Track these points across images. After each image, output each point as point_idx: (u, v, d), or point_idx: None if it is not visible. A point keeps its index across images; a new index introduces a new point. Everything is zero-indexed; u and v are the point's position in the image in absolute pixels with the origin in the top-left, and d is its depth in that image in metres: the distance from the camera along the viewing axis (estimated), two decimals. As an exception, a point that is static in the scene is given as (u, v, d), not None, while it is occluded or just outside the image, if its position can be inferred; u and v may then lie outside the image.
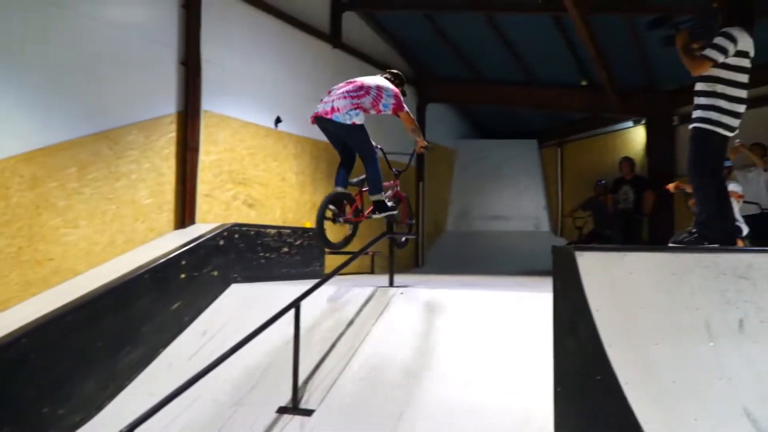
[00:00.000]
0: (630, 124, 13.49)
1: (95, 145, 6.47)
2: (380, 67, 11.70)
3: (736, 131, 5.08)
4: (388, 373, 5.21)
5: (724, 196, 5.26)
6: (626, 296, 3.64)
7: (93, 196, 6.43)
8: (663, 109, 12.26)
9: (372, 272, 10.41)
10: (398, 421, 4.69)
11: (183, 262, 6.45)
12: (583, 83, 12.41)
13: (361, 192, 6.47)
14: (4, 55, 5.76)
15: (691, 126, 5.16)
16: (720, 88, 4.97)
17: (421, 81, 13.57)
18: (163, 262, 6.29)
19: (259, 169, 8.72)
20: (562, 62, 11.88)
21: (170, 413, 5.25)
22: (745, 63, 5.00)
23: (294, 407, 5.03)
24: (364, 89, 6.14)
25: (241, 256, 7.17)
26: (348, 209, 6.24)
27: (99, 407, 5.51)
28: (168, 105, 7.35)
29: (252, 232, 7.37)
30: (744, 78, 5.02)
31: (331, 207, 6.11)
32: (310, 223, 9.57)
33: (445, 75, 13.63)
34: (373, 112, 6.28)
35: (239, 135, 8.40)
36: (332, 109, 6.03)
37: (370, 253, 10.35)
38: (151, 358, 6.00)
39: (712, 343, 3.62)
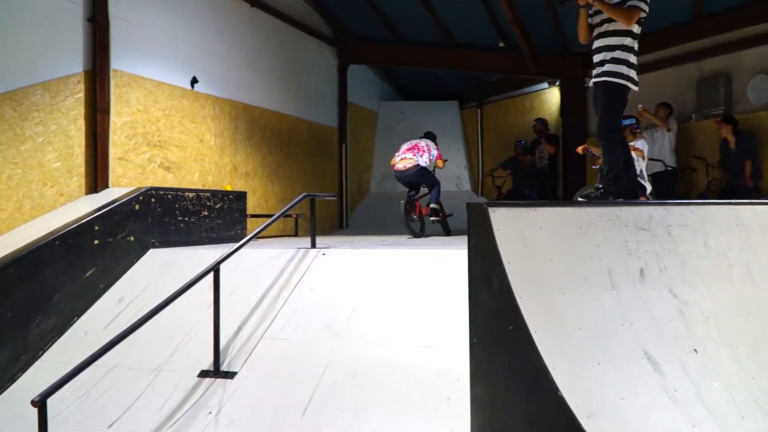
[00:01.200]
0: (545, 85, 13.83)
1: (-2, 106, 6.15)
2: (300, 26, 11.55)
3: (636, 85, 5.30)
4: (310, 333, 5.25)
5: (628, 153, 5.51)
6: (536, 249, 3.78)
7: (-3, 160, 6.12)
8: (575, 71, 12.61)
9: (296, 235, 10.40)
10: (320, 378, 4.75)
11: (96, 228, 6.25)
12: (501, 45, 12.59)
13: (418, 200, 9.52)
14: None
15: (599, 80, 5.29)
16: (629, 41, 5.15)
17: (342, 41, 13.45)
18: (75, 228, 6.06)
19: (176, 131, 8.49)
20: (481, 24, 11.99)
21: (87, 382, 5.18)
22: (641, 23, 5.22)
23: (215, 371, 5.01)
24: (419, 149, 9.58)
25: (158, 220, 7.00)
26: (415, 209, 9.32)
27: (12, 379, 5.33)
28: (75, 64, 7.02)
29: (169, 196, 7.19)
30: (638, 30, 5.24)
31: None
32: (230, 186, 9.44)
33: (365, 35, 13.55)
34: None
35: (153, 95, 8.12)
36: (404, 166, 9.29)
37: (294, 216, 10.33)
38: (65, 328, 5.82)
39: (615, 291, 3.83)
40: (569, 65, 12.62)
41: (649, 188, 8.61)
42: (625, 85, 5.18)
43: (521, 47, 11.86)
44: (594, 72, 5.35)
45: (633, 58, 5.17)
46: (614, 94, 5.25)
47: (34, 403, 3.50)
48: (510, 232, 3.77)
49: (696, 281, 4.12)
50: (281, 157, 11.12)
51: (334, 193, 8.86)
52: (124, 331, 4.34)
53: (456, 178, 15.70)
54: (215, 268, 5.07)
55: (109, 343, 4.20)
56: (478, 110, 15.70)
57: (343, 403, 4.49)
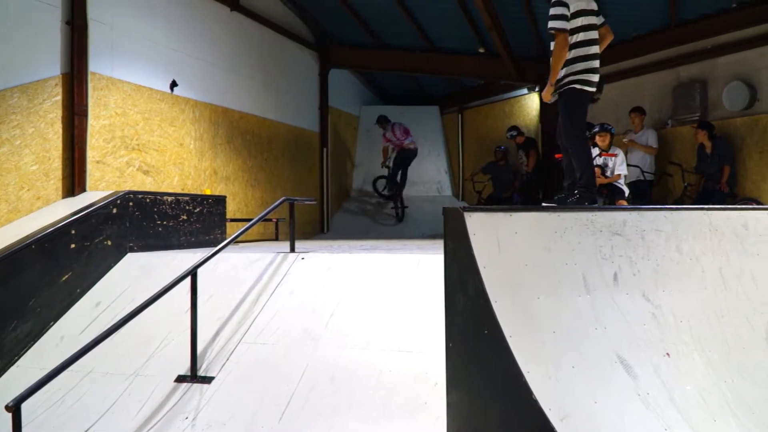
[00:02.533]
0: (525, 91, 13.93)
1: (-27, 109, 6.08)
2: (281, 30, 11.56)
3: (595, 87, 5.42)
4: (289, 337, 5.24)
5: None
6: (511, 254, 3.82)
7: (-28, 164, 6.06)
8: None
9: (276, 239, 10.37)
10: (298, 382, 4.75)
11: (73, 231, 6.19)
12: (481, 50, 12.67)
13: None
14: None
15: (561, 90, 5.47)
16: (572, 53, 5.30)
17: (323, 46, 13.47)
18: (51, 231, 6.00)
19: (155, 135, 8.45)
20: (461, 30, 12.07)
21: (63, 387, 5.14)
22: (581, 22, 5.32)
23: (193, 375, 4.99)
24: None
25: (136, 224, 6.95)
26: None
27: (-13, 384, 5.26)
28: (52, 67, 6.95)
29: (148, 200, 7.14)
30: (590, 35, 5.35)
31: None
32: (210, 190, 9.40)
33: (347, 40, 13.58)
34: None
35: (132, 99, 8.08)
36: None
37: (274, 220, 10.31)
38: (42, 332, 5.76)
39: (589, 296, 3.89)
40: (548, 71, 12.71)
41: (626, 192, 8.73)
42: (582, 90, 5.32)
43: (500, 53, 11.93)
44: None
45: (582, 65, 5.31)
46: (572, 101, 5.40)
47: (8, 408, 3.47)
48: (485, 236, 3.81)
49: (669, 285, 4.19)
50: (262, 161, 11.10)
51: (313, 198, 8.85)
52: (100, 335, 4.32)
53: (437, 183, 15.79)
54: (193, 272, 5.06)
55: (84, 347, 4.18)
56: (459, 115, 15.78)
57: (320, 407, 4.49)
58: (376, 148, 15.27)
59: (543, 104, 13.08)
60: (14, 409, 3.48)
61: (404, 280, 5.60)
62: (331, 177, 13.95)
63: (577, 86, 5.32)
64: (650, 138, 10.11)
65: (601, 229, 4.15)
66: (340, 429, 4.31)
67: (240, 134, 10.48)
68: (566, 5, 5.22)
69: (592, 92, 5.41)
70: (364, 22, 12.63)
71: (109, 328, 4.45)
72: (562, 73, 5.40)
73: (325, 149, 13.64)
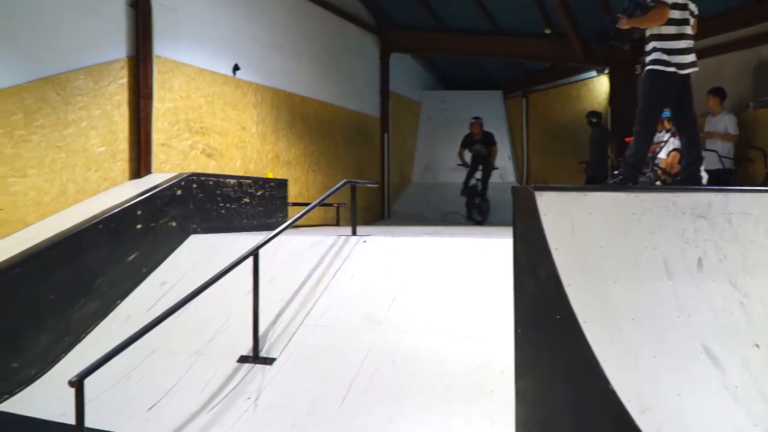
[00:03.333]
0: (593, 74, 13.45)
1: (42, 90, 6.19)
2: (341, 14, 11.47)
3: (690, 69, 5.12)
4: (350, 320, 5.15)
5: (695, 135, 5.40)
6: (586, 236, 3.61)
7: (41, 144, 6.17)
8: (625, 58, 12.21)
9: (337, 224, 10.33)
10: (360, 367, 4.65)
11: (139, 212, 6.26)
12: (547, 32, 12.28)
13: None
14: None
15: (645, 67, 5.24)
16: (664, 29, 5.04)
17: (383, 30, 13.31)
18: (118, 211, 6.09)
19: (218, 118, 8.48)
20: (526, 10, 11.72)
21: (127, 365, 5.19)
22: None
23: (255, 356, 4.96)
24: None
25: (200, 206, 7.00)
26: None
27: (55, 360, 5.36)
28: (118, 49, 7.04)
29: (211, 182, 7.18)
30: (679, 14, 5.08)
31: None
32: (272, 174, 9.41)
33: (408, 23, 13.37)
34: None
35: (195, 82, 8.12)
36: None
37: (335, 205, 10.26)
38: (108, 311, 5.84)
39: (670, 282, 3.63)
40: (618, 52, 12.22)
41: (705, 178, 8.28)
42: (662, 71, 5.05)
43: (568, 34, 11.53)
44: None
45: (668, 44, 5.03)
46: (649, 82, 5.17)
47: (71, 383, 3.47)
48: (558, 217, 3.61)
49: (758, 272, 3.90)
50: (323, 146, 11.06)
51: (375, 181, 8.74)
52: (162, 314, 4.33)
53: (501, 169, 15.46)
54: (254, 253, 5.02)
55: (147, 325, 4.18)
56: (524, 100, 15.39)
57: (382, 392, 4.38)
58: (438, 135, 15.07)
59: (613, 87, 12.69)
60: (77, 384, 3.48)
61: (468, 264, 5.43)
62: (391, 163, 13.82)
63: (667, 69, 5.05)
64: (729, 124, 9.54)
65: (684, 211, 3.88)
66: (402, 415, 4.19)
67: (301, 118, 10.45)
68: None
69: (685, 74, 5.14)
70: (426, 4, 12.41)
71: (171, 307, 4.45)
72: (649, 47, 5.14)
73: (386, 135, 13.51)
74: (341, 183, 6.45)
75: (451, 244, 5.89)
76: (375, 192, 12.97)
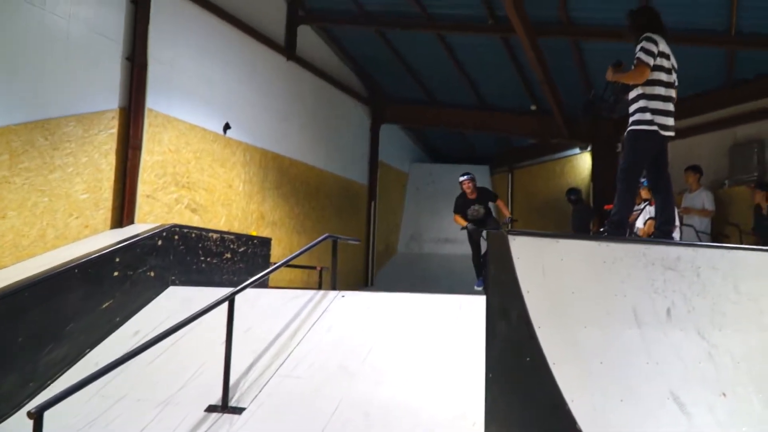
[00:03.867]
0: (577, 150, 13.77)
1: (30, 134, 6.26)
2: (334, 83, 11.80)
3: (670, 132, 5.24)
4: (324, 371, 5.09)
5: (669, 197, 5.47)
6: (557, 280, 3.64)
7: (24, 187, 6.19)
8: (607, 135, 12.56)
9: (319, 288, 10.26)
10: (331, 416, 4.56)
11: (117, 259, 6.24)
12: (533, 108, 12.64)
13: None
14: None
15: (627, 130, 5.33)
16: (648, 89, 5.17)
17: (375, 100, 13.67)
18: (96, 257, 6.05)
19: (205, 174, 8.57)
20: (513, 86, 12.11)
21: (93, 411, 5.07)
22: (666, 64, 5.22)
23: (224, 405, 4.86)
24: None
25: (180, 258, 6.98)
26: None
27: (18, 406, 5.20)
28: (110, 100, 7.17)
29: (193, 235, 7.18)
30: (666, 78, 5.23)
31: None
32: (256, 232, 9.44)
33: (399, 96, 13.76)
34: None
35: (185, 137, 8.25)
36: None
37: (318, 269, 10.25)
38: (77, 358, 5.72)
39: (639, 329, 3.65)
40: (601, 130, 12.57)
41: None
42: (646, 130, 5.18)
43: (553, 110, 11.88)
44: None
45: (655, 104, 5.17)
46: (633, 141, 5.27)
47: (30, 414, 3.41)
48: (530, 261, 3.64)
49: (726, 325, 3.93)
50: (309, 209, 11.15)
51: (357, 238, 8.75)
52: (131, 351, 4.27)
53: (485, 243, 15.56)
54: (230, 299, 5.00)
55: (104, 367, 4.12)
56: (509, 175, 15.65)
57: (352, 441, 4.29)
58: (425, 206, 15.22)
59: (595, 164, 12.97)
60: (36, 416, 3.40)
61: (445, 320, 5.42)
62: (377, 232, 13.89)
63: (650, 127, 5.17)
64: (706, 200, 9.74)
65: (654, 262, 3.94)
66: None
67: (289, 181, 10.57)
68: (656, 43, 5.15)
69: (665, 136, 5.26)
70: (418, 78, 12.81)
71: (132, 350, 4.39)
72: (633, 107, 5.27)
73: (373, 203, 13.65)
74: (323, 237, 6.49)
75: (429, 300, 5.88)
76: (359, 258, 12.98)
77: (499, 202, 9.92)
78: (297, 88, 10.83)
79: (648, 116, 5.14)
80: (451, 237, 15.12)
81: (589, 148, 13.22)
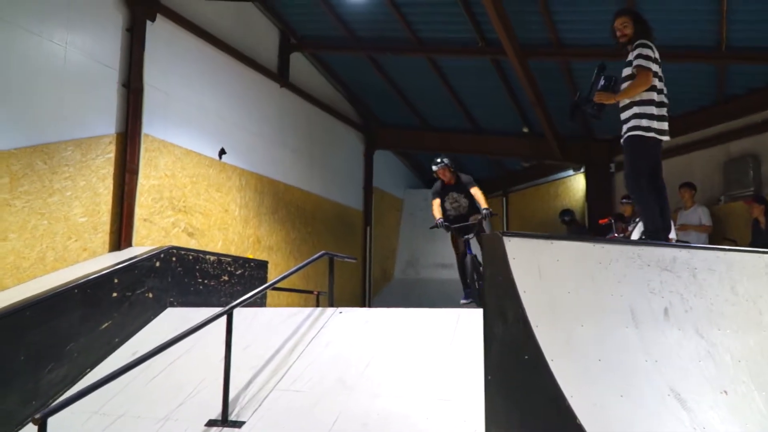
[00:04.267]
0: (570, 172, 13.89)
1: (29, 157, 6.34)
2: (328, 109, 11.94)
3: (666, 136, 5.26)
4: (322, 385, 5.09)
5: (664, 203, 5.40)
6: (553, 280, 3.68)
7: (24, 209, 6.24)
8: (600, 157, 12.71)
9: (316, 310, 10.25)
10: (330, 429, 4.56)
11: (116, 280, 6.26)
12: (525, 130, 12.79)
13: None
14: None
15: (624, 137, 5.30)
16: (645, 95, 5.19)
17: (369, 127, 13.80)
18: (95, 278, 6.08)
19: (201, 199, 8.63)
20: (505, 109, 12.25)
21: (93, 429, 5.06)
22: (659, 71, 5.29)
23: (224, 420, 4.85)
24: None
25: (178, 280, 7.00)
26: None
27: (20, 424, 5.19)
28: (107, 125, 7.27)
29: (190, 257, 7.21)
30: (660, 84, 5.28)
31: None
32: (252, 256, 9.45)
33: (391, 121, 13.91)
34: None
35: (181, 162, 8.33)
36: None
37: (315, 293, 10.25)
38: (77, 377, 5.72)
39: (637, 328, 3.68)
40: (594, 151, 12.73)
41: None
42: (644, 137, 5.18)
43: (545, 132, 12.02)
44: (622, 130, 5.37)
45: (651, 110, 5.19)
46: (633, 149, 5.25)
47: (35, 420, 3.42)
48: (526, 261, 3.69)
49: (724, 325, 3.97)
50: (305, 234, 11.19)
51: (354, 256, 8.77)
52: (133, 361, 4.29)
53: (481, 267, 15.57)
54: (228, 312, 5.03)
55: (98, 381, 4.18)
56: (503, 199, 15.74)
57: (352, 452, 4.29)
58: (420, 232, 15.25)
59: (589, 184, 13.09)
60: (41, 422, 3.42)
61: (443, 333, 5.44)
62: (373, 257, 13.91)
63: (647, 134, 5.19)
64: (702, 216, 9.84)
65: (649, 263, 3.99)
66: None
67: (284, 206, 10.63)
68: (652, 49, 5.21)
69: (659, 141, 5.27)
70: (410, 103, 12.95)
71: (125, 365, 4.45)
72: (630, 113, 5.26)
73: (368, 228, 13.70)
74: (319, 254, 6.53)
75: (426, 315, 5.91)
76: (356, 283, 12.98)
77: (476, 190, 8.24)
78: (291, 115, 10.96)
79: (645, 122, 5.14)
80: (447, 262, 15.10)
81: (582, 169, 13.35)
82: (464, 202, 8.33)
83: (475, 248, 7.65)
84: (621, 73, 5.39)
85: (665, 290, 3.93)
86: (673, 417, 3.25)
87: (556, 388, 3.16)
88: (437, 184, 8.49)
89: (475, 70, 11.14)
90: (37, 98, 6.51)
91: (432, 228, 8.44)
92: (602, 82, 5.46)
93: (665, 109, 5.29)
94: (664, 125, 5.25)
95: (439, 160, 8.28)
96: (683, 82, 9.71)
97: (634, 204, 8.60)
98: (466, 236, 8.10)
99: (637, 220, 8.46)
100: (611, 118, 5.69)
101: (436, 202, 8.34)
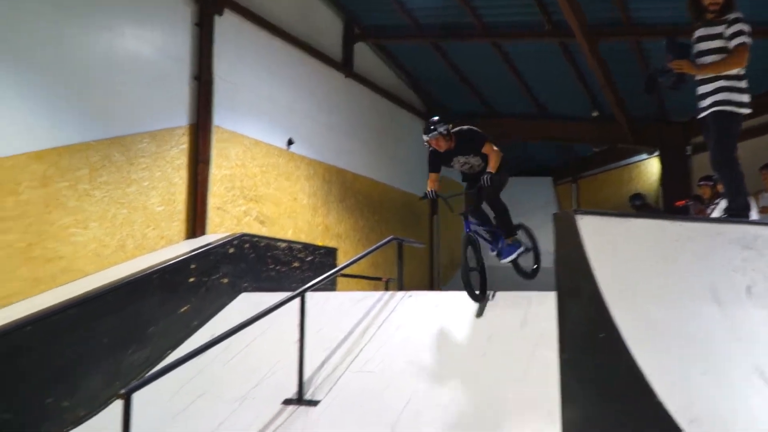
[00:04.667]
0: (644, 156, 13.50)
1: (107, 149, 6.61)
2: (392, 98, 11.97)
3: (746, 109, 4.98)
4: (394, 368, 5.15)
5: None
6: (627, 258, 3.60)
7: (104, 199, 6.53)
8: (676, 139, 12.28)
9: (385, 297, 10.32)
10: (404, 409, 4.60)
11: (193, 266, 6.47)
12: (594, 114, 12.48)
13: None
14: (14, 55, 5.88)
15: (708, 112, 5.02)
16: (738, 70, 4.92)
17: (432, 114, 13.68)
18: (173, 264, 6.31)
19: (271, 188, 8.81)
20: (573, 93, 12.00)
21: (173, 408, 5.26)
22: None
23: (299, 399, 4.98)
24: None
25: (251, 266, 7.19)
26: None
27: (104, 404, 5.43)
28: (180, 117, 7.52)
29: (262, 244, 7.39)
30: None
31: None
32: (322, 244, 9.59)
33: (456, 108, 13.78)
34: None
35: (251, 152, 8.53)
36: None
37: (384, 280, 10.30)
38: (158, 360, 5.92)
39: (718, 306, 3.55)
40: (669, 133, 12.32)
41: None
42: (735, 113, 4.92)
43: (616, 116, 11.70)
44: (702, 104, 5.10)
45: (741, 84, 4.93)
46: (724, 125, 4.98)
47: (120, 395, 3.60)
48: (599, 240, 3.62)
49: (812, 304, 3.76)
50: (373, 222, 11.27)
51: (421, 242, 8.76)
52: (213, 340, 4.47)
53: (551, 254, 15.29)
54: (301, 294, 5.14)
55: (184, 357, 4.39)
56: (574, 185, 15.44)
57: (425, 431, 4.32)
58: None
59: (664, 168, 12.66)
60: (126, 396, 3.58)
61: (515, 315, 5.41)
62: (441, 245, 13.88)
63: (740, 110, 4.94)
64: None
65: (730, 241, 3.83)
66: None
67: (352, 194, 10.74)
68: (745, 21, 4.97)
69: (744, 115, 5.01)
70: (475, 89, 12.83)
71: (205, 343, 4.61)
72: (717, 86, 4.98)
73: (435, 216, 13.67)
74: (388, 238, 6.57)
75: (497, 297, 5.89)
76: (423, 272, 12.98)
77: (488, 148, 6.13)
78: (356, 104, 11.05)
79: (736, 97, 4.84)
80: (519, 249, 14.97)
81: (656, 153, 12.95)
82: (476, 161, 6.29)
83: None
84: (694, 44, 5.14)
85: (748, 268, 3.76)
86: (759, 395, 3.13)
87: (634, 366, 3.08)
88: (432, 155, 6.27)
89: (542, 53, 10.95)
90: (112, 92, 6.77)
91: (421, 199, 6.54)
92: (677, 50, 5.21)
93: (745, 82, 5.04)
94: (746, 97, 5.00)
95: (432, 127, 5.95)
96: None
97: (714, 185, 8.26)
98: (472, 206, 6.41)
99: (716, 201, 8.15)
100: (686, 99, 5.41)
101: (432, 176, 6.35)
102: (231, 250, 6.98)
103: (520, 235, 6.69)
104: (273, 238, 7.72)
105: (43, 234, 5.91)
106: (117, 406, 5.42)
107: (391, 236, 6.63)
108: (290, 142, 9.27)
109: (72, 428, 5.20)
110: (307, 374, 5.13)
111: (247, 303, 6.83)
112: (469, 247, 5.98)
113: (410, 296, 6.20)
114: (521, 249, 6.53)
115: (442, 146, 6.07)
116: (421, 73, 12.78)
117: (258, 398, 5.17)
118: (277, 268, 7.55)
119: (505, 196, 13.00)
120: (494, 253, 6.63)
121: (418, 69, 12.65)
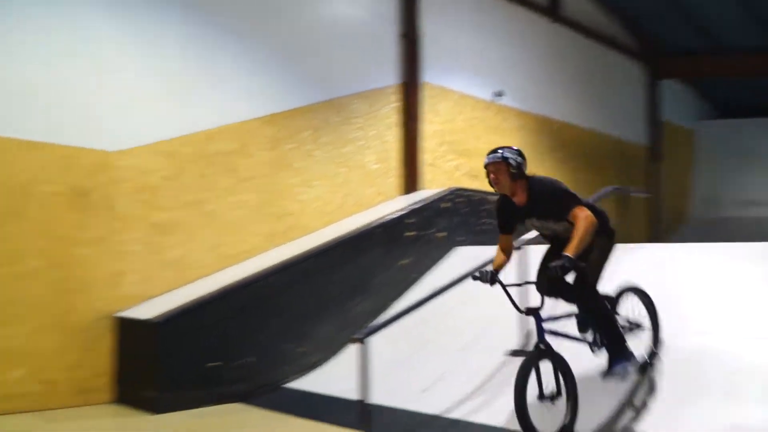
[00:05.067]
0: None
1: (325, 111, 6.96)
2: (602, 40, 11.24)
3: None
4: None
5: None
6: None
7: (325, 159, 6.91)
8: None
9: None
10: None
11: (410, 221, 6.65)
12: None
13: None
14: (241, 27, 6.31)
15: None
16: None
17: (650, 55, 12.69)
18: (393, 218, 6.56)
19: (481, 142, 8.71)
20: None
21: (401, 357, 5.50)
22: None
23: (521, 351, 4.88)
24: None
25: (464, 220, 7.24)
26: None
27: (336, 350, 5.79)
28: (390, 76, 7.69)
29: (476, 197, 7.39)
30: None
31: None
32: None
33: (676, 46, 12.61)
34: None
35: (459, 107, 8.52)
36: None
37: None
38: (382, 310, 6.16)
39: None
40: None
41: None
42: None
43: None
44: None
45: None
46: None
47: (354, 339, 3.79)
48: None
49: None
50: (586, 173, 10.74)
51: (647, 191, 8.16)
52: (437, 290, 4.63)
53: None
54: (519, 249, 5.08)
55: (424, 297, 4.76)
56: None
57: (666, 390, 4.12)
58: (721, 166, 13.78)
59: None
60: (361, 340, 3.77)
61: (754, 267, 4.95)
62: (663, 198, 12.88)
63: None
64: None
65: None
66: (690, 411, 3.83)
67: (563, 145, 10.33)
68: None
69: None
70: (699, 25, 11.59)
71: (425, 296, 4.81)
72: None
73: (654, 165, 12.71)
74: (609, 188, 6.20)
75: (727, 249, 5.56)
76: (641, 225, 12.13)
77: (579, 212, 3.80)
78: (563, 50, 10.54)
79: None
80: (757, 198, 13.47)
81: None
82: (560, 227, 4.03)
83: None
84: None
85: None
86: None
87: None
88: (498, 202, 4.24)
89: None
90: (327, 56, 7.08)
91: (475, 279, 4.18)
92: None
93: None
94: None
95: (494, 151, 3.98)
96: None
97: None
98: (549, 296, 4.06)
99: None
100: None
101: (502, 241, 4.28)
102: (445, 205, 7.05)
103: (626, 301, 4.41)
104: (486, 192, 7.63)
105: (274, 193, 6.40)
106: (348, 353, 5.84)
107: (613, 186, 6.24)
108: (500, 94, 9.09)
109: (308, 372, 5.63)
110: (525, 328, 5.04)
111: (462, 256, 6.87)
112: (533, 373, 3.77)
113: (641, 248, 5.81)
114: (633, 364, 4.02)
115: (506, 187, 3.95)
116: (634, 10, 11.77)
117: (480, 349, 5.21)
118: (491, 221, 7.46)
119: (738, 139, 11.88)
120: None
121: (630, 5, 11.66)
